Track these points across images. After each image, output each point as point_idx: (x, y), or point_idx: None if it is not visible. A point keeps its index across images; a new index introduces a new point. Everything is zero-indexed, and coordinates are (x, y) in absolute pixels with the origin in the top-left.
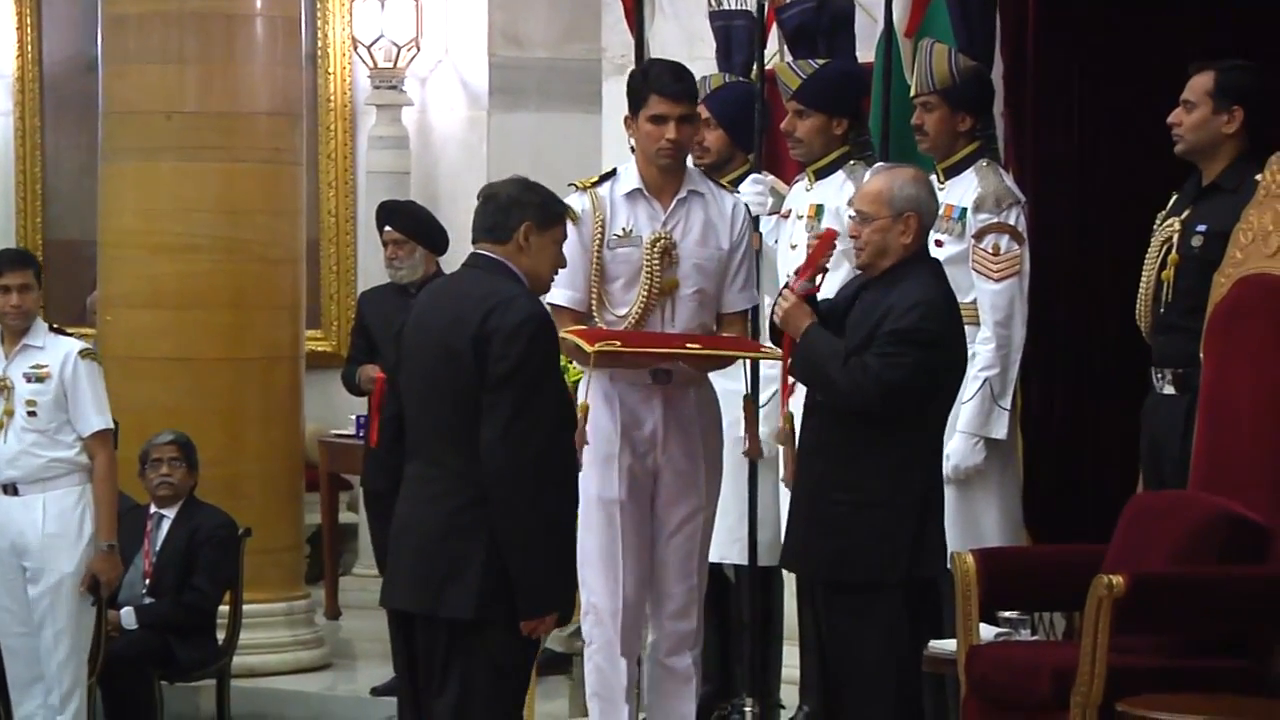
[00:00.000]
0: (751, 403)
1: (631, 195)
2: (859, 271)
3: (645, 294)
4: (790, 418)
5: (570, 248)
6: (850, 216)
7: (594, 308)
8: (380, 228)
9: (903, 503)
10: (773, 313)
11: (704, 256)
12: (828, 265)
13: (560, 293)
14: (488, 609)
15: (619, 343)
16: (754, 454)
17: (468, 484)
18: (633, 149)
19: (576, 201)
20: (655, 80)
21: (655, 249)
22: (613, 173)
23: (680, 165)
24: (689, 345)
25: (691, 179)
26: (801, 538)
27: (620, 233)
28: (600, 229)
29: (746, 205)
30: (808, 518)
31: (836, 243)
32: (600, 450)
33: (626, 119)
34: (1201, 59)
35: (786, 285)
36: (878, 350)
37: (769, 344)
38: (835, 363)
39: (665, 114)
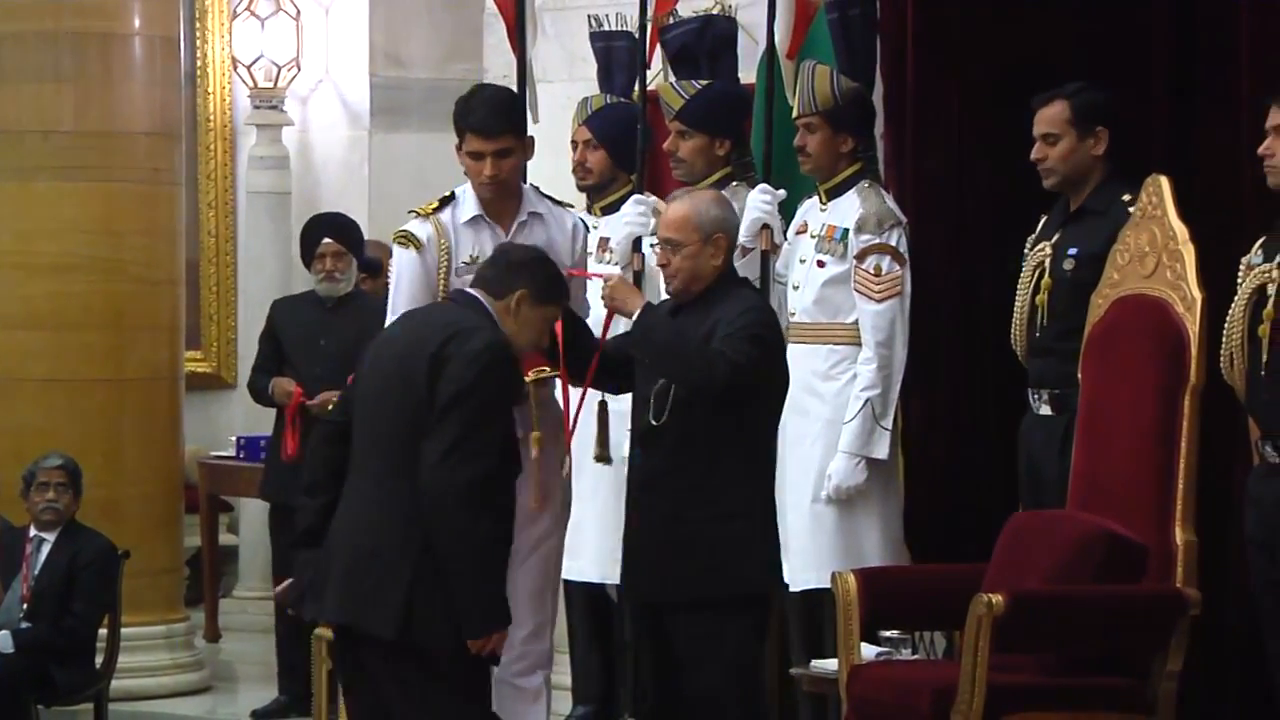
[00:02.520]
0: (604, 409)
1: (473, 221)
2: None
3: None
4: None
5: (415, 276)
6: (653, 246)
7: None
8: (315, 240)
9: (759, 512)
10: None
11: None
12: None
13: None
14: (411, 629)
15: (547, 369)
16: (602, 459)
17: (407, 503)
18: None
19: (419, 228)
20: (470, 116)
21: None
22: (451, 197)
23: (511, 191)
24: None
25: (529, 200)
26: (656, 564)
27: (468, 259)
28: (446, 256)
29: (584, 222)
30: (662, 543)
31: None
32: None
33: (456, 146)
34: (1071, 81)
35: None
36: (722, 342)
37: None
38: (682, 340)
39: (480, 150)
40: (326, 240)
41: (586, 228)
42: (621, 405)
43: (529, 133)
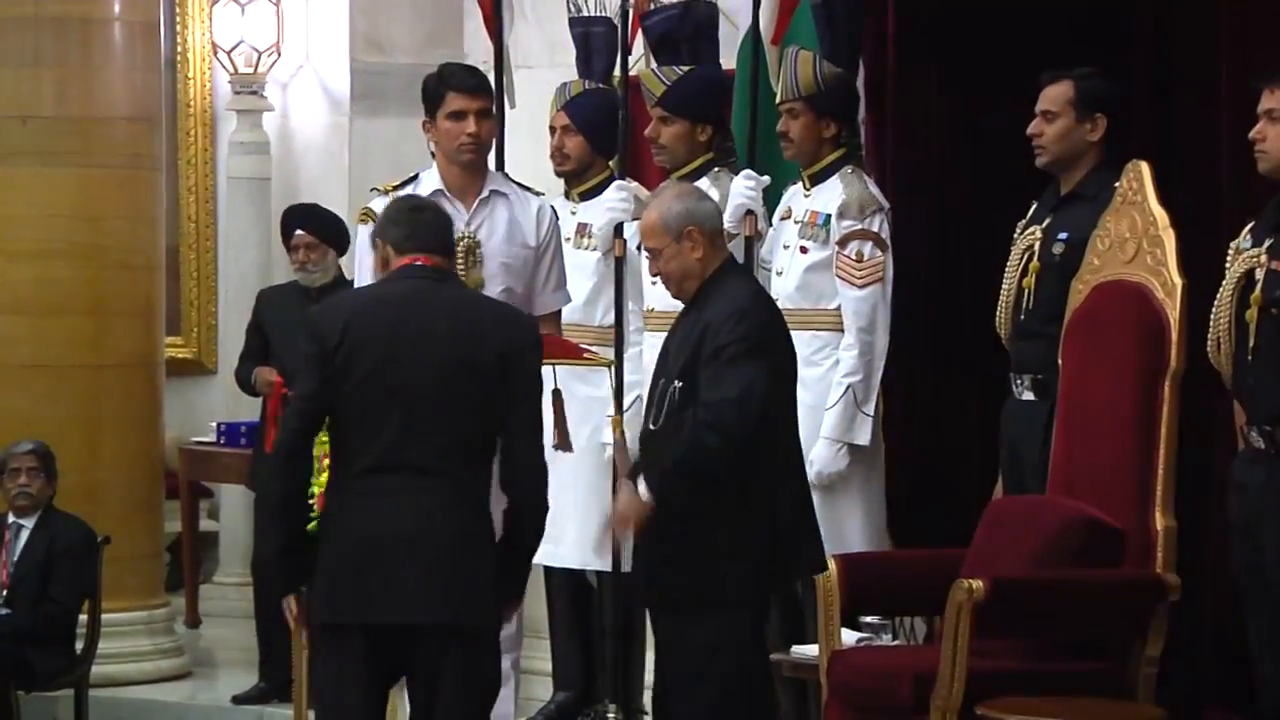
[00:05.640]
0: (558, 397)
1: (434, 196)
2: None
3: None
4: (619, 423)
5: (374, 253)
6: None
7: None
8: (289, 231)
9: (748, 519)
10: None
11: (511, 255)
12: None
13: None
14: (494, 616)
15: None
16: (563, 448)
17: (473, 494)
18: (433, 154)
19: (378, 204)
20: (451, 78)
21: (458, 249)
22: (415, 177)
23: (482, 164)
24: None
25: (494, 180)
26: (651, 569)
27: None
28: None
29: (554, 209)
30: (653, 547)
31: None
32: None
33: (425, 123)
34: (1052, 69)
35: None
36: (706, 380)
37: (592, 350)
38: (678, 452)
39: (463, 109)
40: (299, 232)
41: (555, 213)
42: (584, 393)
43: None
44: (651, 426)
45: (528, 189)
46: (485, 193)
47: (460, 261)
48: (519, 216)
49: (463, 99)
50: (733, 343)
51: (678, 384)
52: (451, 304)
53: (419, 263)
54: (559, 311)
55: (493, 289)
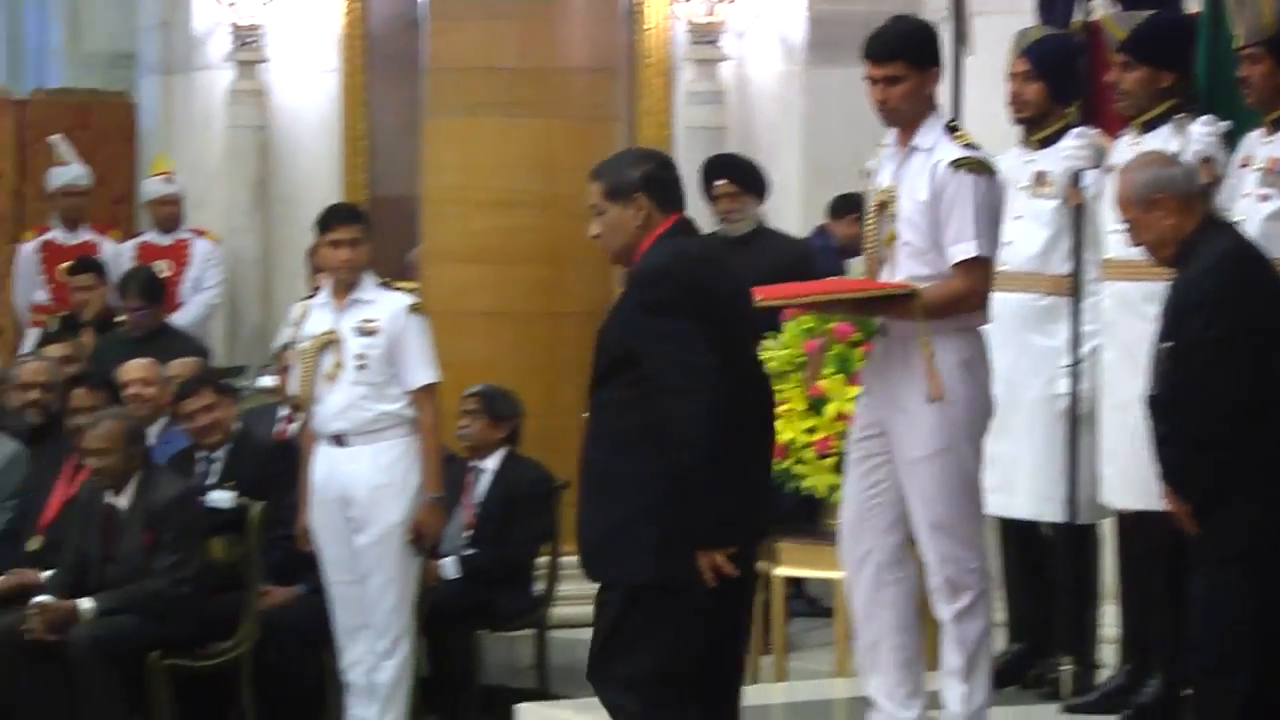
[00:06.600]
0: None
1: (893, 149)
2: None
3: (871, 246)
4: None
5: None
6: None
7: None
8: (710, 181)
9: (1251, 466)
10: None
11: (910, 210)
12: None
13: None
14: None
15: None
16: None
17: None
18: None
19: (875, 164)
20: (867, 44)
21: (874, 202)
22: None
23: (904, 121)
24: (841, 292)
25: (925, 134)
26: None
27: (874, 189)
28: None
29: (968, 160)
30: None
31: None
32: None
33: None
34: None
35: None
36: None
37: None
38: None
39: (871, 75)
40: (720, 181)
41: (961, 168)
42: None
43: (936, 65)
44: (1153, 392)
45: (958, 142)
46: (908, 148)
47: (873, 217)
48: (922, 169)
49: (868, 66)
50: (1198, 311)
51: (1166, 345)
52: (716, 253)
53: (684, 218)
54: (966, 263)
55: (900, 241)
